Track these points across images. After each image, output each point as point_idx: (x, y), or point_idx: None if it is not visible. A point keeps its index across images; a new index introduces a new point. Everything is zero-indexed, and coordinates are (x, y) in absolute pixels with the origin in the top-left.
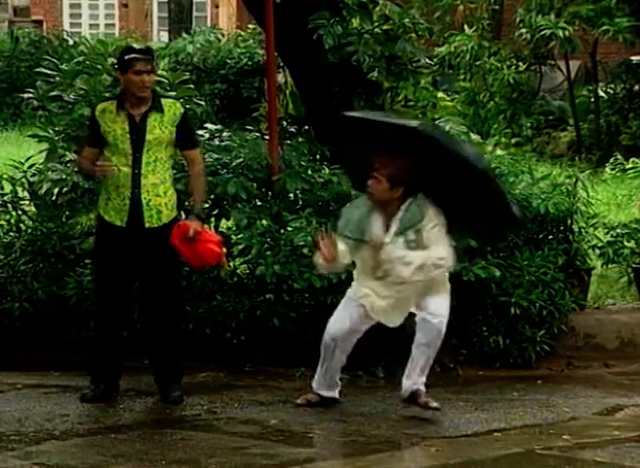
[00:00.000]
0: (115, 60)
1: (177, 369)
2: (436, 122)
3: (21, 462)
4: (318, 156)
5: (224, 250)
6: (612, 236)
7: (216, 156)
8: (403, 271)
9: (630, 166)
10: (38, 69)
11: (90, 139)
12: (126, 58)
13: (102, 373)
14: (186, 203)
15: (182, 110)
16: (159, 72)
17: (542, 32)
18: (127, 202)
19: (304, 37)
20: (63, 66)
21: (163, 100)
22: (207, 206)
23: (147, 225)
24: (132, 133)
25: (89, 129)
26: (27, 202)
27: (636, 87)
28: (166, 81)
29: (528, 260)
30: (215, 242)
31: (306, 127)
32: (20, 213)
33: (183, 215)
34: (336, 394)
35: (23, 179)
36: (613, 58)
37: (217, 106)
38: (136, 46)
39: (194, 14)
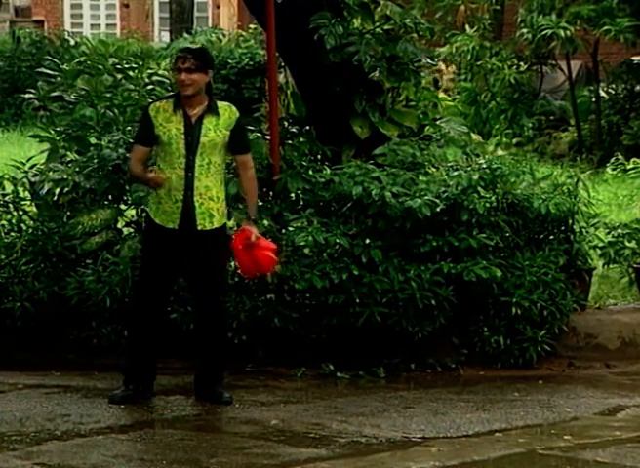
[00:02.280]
0: (116, 60)
1: (221, 370)
2: (437, 122)
3: (23, 462)
4: (319, 156)
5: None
6: (613, 236)
7: None
8: None
9: (631, 166)
10: (39, 69)
11: (141, 138)
12: (175, 56)
13: (135, 375)
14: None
15: (238, 114)
16: (160, 72)
17: (544, 32)
18: (179, 205)
19: (305, 37)
20: (65, 66)
21: (219, 103)
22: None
23: (199, 228)
24: (187, 133)
25: (140, 126)
26: (29, 202)
27: (637, 87)
28: (167, 81)
29: (529, 260)
30: (272, 249)
31: (307, 127)
32: (21, 213)
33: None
34: None
35: (25, 180)
36: (614, 58)
37: None
38: (191, 46)
39: (195, 14)
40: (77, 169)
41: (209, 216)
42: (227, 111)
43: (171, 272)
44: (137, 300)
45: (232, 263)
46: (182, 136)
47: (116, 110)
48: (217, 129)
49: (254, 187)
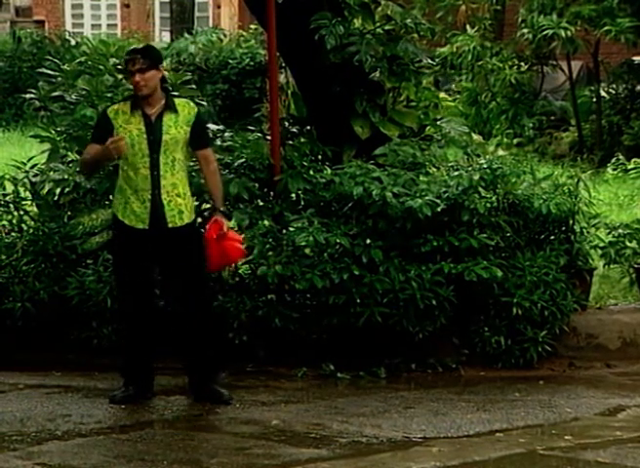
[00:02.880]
0: (117, 61)
1: (214, 368)
2: (438, 122)
3: (23, 462)
4: (320, 156)
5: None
6: (614, 236)
7: (217, 156)
8: None
9: (632, 166)
10: (40, 70)
11: (98, 137)
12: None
13: (133, 376)
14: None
15: (196, 109)
16: None
17: (544, 32)
18: (148, 204)
19: (306, 37)
20: (65, 67)
21: (176, 100)
22: (209, 206)
23: (170, 225)
24: (148, 133)
25: (98, 126)
26: (29, 202)
27: (638, 87)
28: (168, 81)
29: (530, 261)
30: (239, 241)
31: (308, 127)
32: (21, 213)
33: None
34: None
35: (25, 180)
36: (614, 58)
37: (218, 107)
38: (137, 47)
39: (196, 14)
40: (78, 169)
41: (178, 213)
42: (186, 107)
43: (146, 272)
44: (122, 304)
45: (233, 264)
46: (144, 136)
47: None
48: (177, 125)
49: (217, 180)
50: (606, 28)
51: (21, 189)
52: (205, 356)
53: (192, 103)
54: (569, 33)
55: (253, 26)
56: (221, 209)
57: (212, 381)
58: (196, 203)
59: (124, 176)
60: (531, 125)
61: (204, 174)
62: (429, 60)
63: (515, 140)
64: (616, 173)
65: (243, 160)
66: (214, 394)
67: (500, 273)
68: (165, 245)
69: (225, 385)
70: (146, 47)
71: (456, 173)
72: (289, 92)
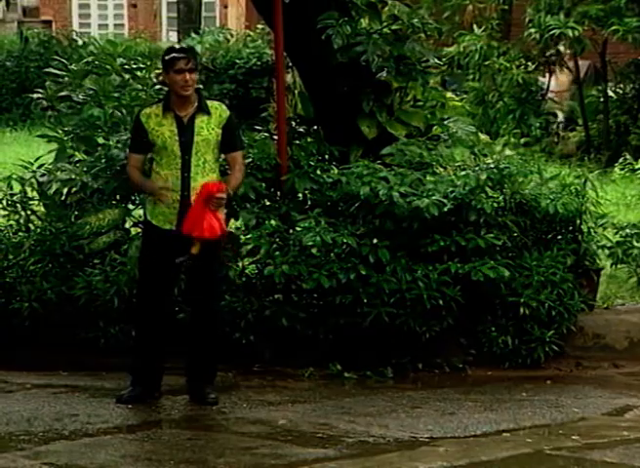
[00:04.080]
0: (124, 60)
1: (212, 370)
2: (445, 122)
3: (31, 462)
4: (327, 156)
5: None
6: (621, 236)
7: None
8: None
9: (639, 166)
10: (47, 69)
11: (135, 146)
12: (167, 57)
13: (142, 376)
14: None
15: (229, 112)
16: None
17: (552, 32)
18: (176, 205)
19: (313, 37)
20: (73, 66)
21: (209, 102)
22: None
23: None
24: (180, 134)
25: (133, 135)
26: (36, 202)
27: None
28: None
29: (537, 261)
30: (221, 224)
31: (315, 127)
32: (29, 213)
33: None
34: None
35: (33, 179)
36: (622, 58)
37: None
38: (176, 46)
39: (203, 14)
40: (85, 169)
41: None
42: (218, 109)
43: (171, 273)
44: (140, 302)
45: (240, 264)
46: (176, 138)
47: (124, 110)
48: (209, 127)
49: (240, 176)
50: (613, 28)
51: (29, 189)
52: (207, 358)
53: (224, 106)
54: (576, 33)
55: (260, 26)
56: (230, 192)
57: (208, 382)
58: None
59: (155, 177)
60: (538, 124)
61: (230, 172)
62: (436, 60)
63: (522, 140)
64: (623, 172)
65: (250, 160)
66: (201, 394)
67: (507, 273)
68: (190, 247)
69: (232, 385)
70: (191, 48)
71: (463, 172)
72: (296, 91)
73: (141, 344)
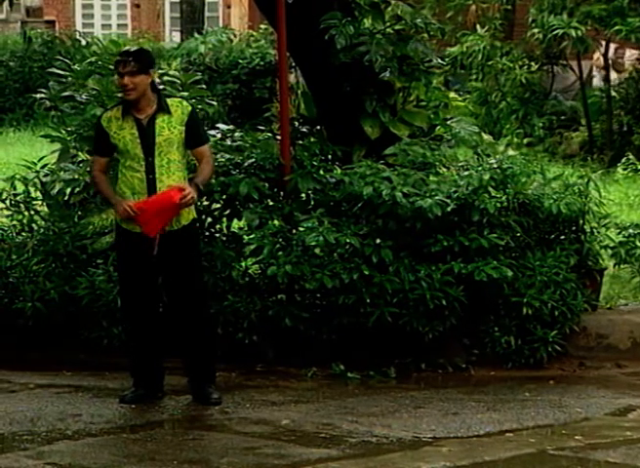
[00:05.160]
0: None
1: (210, 369)
2: (448, 122)
3: (34, 462)
4: (330, 156)
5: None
6: (624, 236)
7: (228, 156)
8: None
9: None
10: (51, 69)
11: (99, 149)
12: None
13: (142, 376)
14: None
15: (190, 108)
16: (171, 72)
17: (555, 32)
18: None
19: (316, 37)
20: (76, 67)
21: (169, 101)
22: (219, 206)
23: (166, 228)
24: (141, 137)
25: (96, 138)
26: (40, 202)
27: None
28: (178, 81)
29: (540, 261)
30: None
31: (318, 127)
32: (32, 213)
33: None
34: None
35: (36, 179)
36: None
37: (228, 107)
38: (127, 49)
39: (206, 14)
40: (88, 169)
41: (176, 215)
42: (179, 107)
43: (147, 274)
44: (125, 305)
45: (243, 264)
46: (138, 141)
47: None
48: (170, 126)
49: (209, 168)
50: (616, 28)
51: (32, 189)
52: (200, 357)
53: (186, 102)
54: (579, 33)
55: (263, 26)
56: (199, 185)
57: (210, 382)
58: (206, 203)
59: (122, 180)
60: (541, 125)
61: (198, 167)
62: (439, 60)
63: (525, 140)
64: (626, 172)
65: (253, 160)
66: (204, 394)
67: (510, 273)
68: (163, 247)
69: (235, 385)
70: (139, 50)
71: (466, 172)
72: (299, 92)
73: (136, 346)
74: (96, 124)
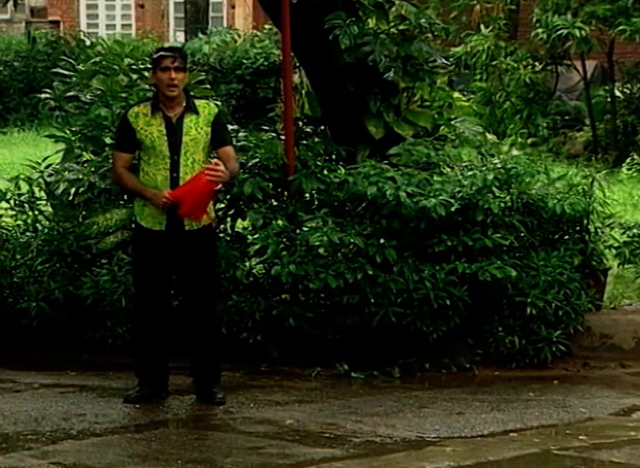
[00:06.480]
0: (132, 61)
1: (216, 369)
2: (452, 122)
3: (38, 461)
4: (334, 156)
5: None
6: (628, 236)
7: None
8: None
9: None
10: (55, 70)
11: (122, 145)
12: (155, 56)
13: (146, 376)
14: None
15: (217, 110)
16: None
17: (559, 32)
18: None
19: (320, 37)
20: (80, 67)
21: (197, 101)
22: (223, 206)
23: (187, 228)
24: (169, 134)
25: (120, 134)
26: (44, 202)
27: None
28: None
29: (544, 260)
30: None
31: (322, 127)
32: (36, 213)
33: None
34: None
35: (40, 179)
36: (629, 58)
37: (233, 106)
38: (169, 45)
39: (210, 14)
40: (92, 169)
41: None
42: (206, 108)
43: (164, 273)
44: (136, 304)
45: (247, 264)
46: (165, 138)
47: None
48: (197, 127)
49: (235, 168)
50: (621, 28)
51: (36, 189)
52: (208, 356)
53: (212, 104)
54: (583, 33)
55: (267, 26)
56: (227, 170)
57: (215, 382)
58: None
59: (144, 177)
60: (545, 125)
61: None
62: (443, 60)
63: (529, 140)
64: (630, 172)
65: (257, 160)
66: (209, 394)
67: (514, 273)
68: (181, 247)
69: (239, 385)
70: (181, 48)
71: (470, 172)
72: (303, 92)
73: (143, 345)
74: (121, 119)
